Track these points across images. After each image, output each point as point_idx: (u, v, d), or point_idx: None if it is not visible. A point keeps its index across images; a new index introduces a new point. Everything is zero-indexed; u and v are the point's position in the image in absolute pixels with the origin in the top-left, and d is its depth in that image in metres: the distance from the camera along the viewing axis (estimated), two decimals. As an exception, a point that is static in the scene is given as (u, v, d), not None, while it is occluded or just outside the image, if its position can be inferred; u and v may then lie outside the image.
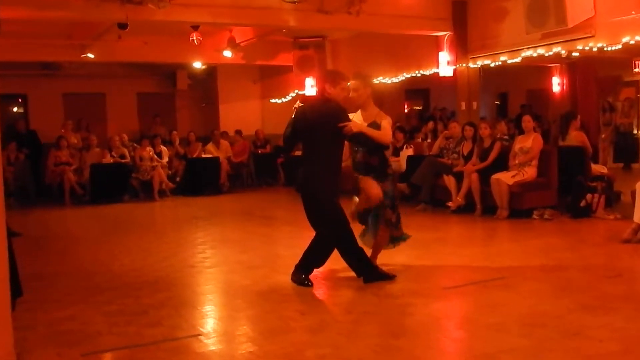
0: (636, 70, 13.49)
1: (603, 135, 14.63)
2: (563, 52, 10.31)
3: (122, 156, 13.23)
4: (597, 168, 9.24)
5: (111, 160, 13.03)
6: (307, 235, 5.66)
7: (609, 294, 4.85)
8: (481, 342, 3.93)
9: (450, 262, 6.40)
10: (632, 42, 9.15)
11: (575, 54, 10.46)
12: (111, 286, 5.72)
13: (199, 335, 4.27)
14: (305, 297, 5.29)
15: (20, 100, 15.98)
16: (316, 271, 5.65)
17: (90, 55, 13.07)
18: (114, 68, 15.54)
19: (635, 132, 15.27)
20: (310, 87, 14.97)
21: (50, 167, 13.06)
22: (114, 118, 16.34)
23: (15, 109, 16.21)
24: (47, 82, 15.38)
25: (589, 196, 8.47)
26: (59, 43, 12.88)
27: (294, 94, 15.87)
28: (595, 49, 9.74)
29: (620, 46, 9.45)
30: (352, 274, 5.60)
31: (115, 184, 12.83)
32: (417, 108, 19.38)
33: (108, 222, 10.41)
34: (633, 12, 8.92)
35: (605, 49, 9.68)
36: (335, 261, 5.63)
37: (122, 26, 10.01)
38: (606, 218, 8.25)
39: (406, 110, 18.98)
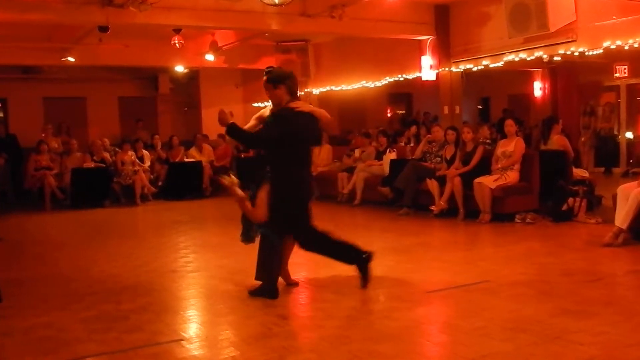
0: (617, 75, 13.67)
1: (583, 139, 14.75)
2: (545, 56, 10.41)
3: (103, 160, 13.10)
4: (579, 172, 9.30)
5: (92, 165, 12.90)
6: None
7: (590, 298, 4.87)
8: (463, 347, 3.92)
9: (432, 266, 6.39)
10: (613, 46, 9.27)
11: (557, 58, 10.57)
12: (90, 292, 5.64)
13: (181, 340, 4.22)
14: (288, 302, 5.25)
15: (-1, 104, 15.85)
16: (300, 276, 5.63)
17: (71, 59, 12.96)
18: (95, 72, 15.44)
19: (616, 136, 15.43)
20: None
21: (30, 172, 12.88)
22: (95, 122, 16.23)
23: (-6, 113, 16.07)
24: (27, 86, 15.25)
25: (570, 200, 8.52)
26: (39, 46, 12.77)
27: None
28: (576, 54, 9.85)
29: (601, 51, 9.57)
30: (336, 279, 5.61)
31: (96, 189, 12.67)
32: (400, 112, 19.45)
33: (89, 227, 10.30)
34: (614, 17, 9.04)
35: (586, 53, 9.80)
36: (319, 266, 5.61)
37: (103, 29, 9.93)
38: (587, 222, 8.29)
39: (389, 115, 19.05)
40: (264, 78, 5.22)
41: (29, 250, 8.31)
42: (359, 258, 5.28)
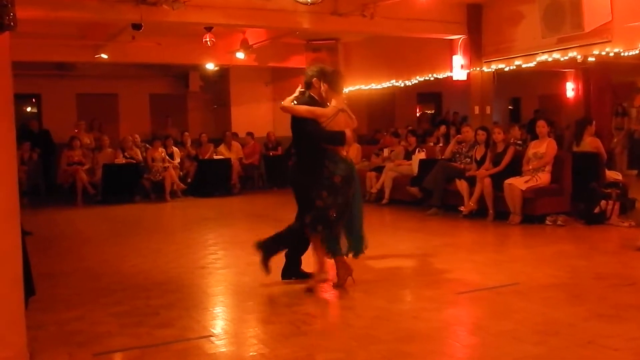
0: (652, 76, 13.39)
1: (615, 140, 14.51)
2: (579, 57, 10.24)
3: (134, 157, 13.26)
4: (612, 174, 9.14)
5: (123, 161, 13.08)
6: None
7: (622, 302, 4.79)
8: (493, 349, 3.89)
9: (461, 267, 6.34)
10: (649, 47, 9.09)
11: (591, 59, 10.38)
12: (121, 287, 5.72)
13: (210, 336, 4.26)
14: (317, 300, 5.26)
15: (34, 100, 16.11)
16: (328, 275, 5.64)
17: (104, 56, 13.14)
18: (127, 69, 15.62)
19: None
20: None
21: (62, 167, 13.12)
22: (126, 119, 16.43)
23: (29, 109, 16.34)
24: (61, 83, 15.50)
25: (603, 203, 8.38)
26: (73, 43, 12.96)
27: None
28: (611, 54, 9.67)
29: (637, 51, 9.38)
30: (364, 276, 5.61)
31: (126, 185, 12.87)
32: (430, 112, 19.33)
33: (119, 223, 10.43)
34: (651, 18, 8.86)
35: (622, 54, 9.61)
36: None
37: (137, 27, 10.04)
38: (620, 225, 8.15)
39: (418, 114, 18.95)
40: None
41: (60, 244, 8.44)
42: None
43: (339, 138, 5.44)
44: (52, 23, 11.06)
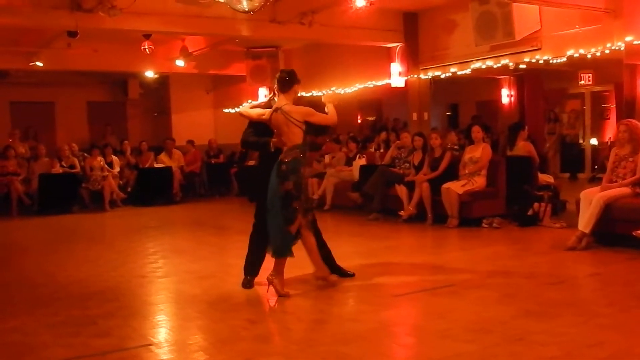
0: (581, 82, 13.94)
1: (547, 144, 15.05)
2: (511, 64, 10.61)
3: (72, 166, 12.98)
4: (544, 177, 9.48)
5: (60, 170, 12.77)
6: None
7: (552, 300, 4.99)
8: (429, 349, 4.00)
9: (400, 270, 6.47)
10: (576, 55, 9.51)
11: (522, 66, 10.78)
12: (58, 297, 5.61)
13: (149, 345, 4.23)
14: (256, 306, 5.29)
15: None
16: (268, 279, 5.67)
17: (39, 64, 12.80)
18: (64, 76, 15.23)
19: (581, 142, 15.76)
20: (263, 97, 15.00)
21: (-4, 177, 12.71)
22: (63, 127, 16.06)
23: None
24: (-7, 90, 15.02)
25: (535, 205, 8.68)
26: (7, 50, 12.57)
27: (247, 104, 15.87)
28: (541, 62, 10.07)
29: (564, 59, 9.79)
30: (304, 282, 5.66)
31: (64, 194, 12.56)
32: (371, 118, 19.57)
33: (56, 233, 10.19)
34: (577, 26, 9.28)
35: (550, 61, 10.02)
36: (287, 269, 5.64)
37: (72, 34, 9.84)
38: (552, 226, 8.46)
39: (359, 121, 19.17)
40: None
41: (-6, 256, 8.19)
42: None
43: (255, 146, 5.84)
44: (-18, 29, 10.74)
